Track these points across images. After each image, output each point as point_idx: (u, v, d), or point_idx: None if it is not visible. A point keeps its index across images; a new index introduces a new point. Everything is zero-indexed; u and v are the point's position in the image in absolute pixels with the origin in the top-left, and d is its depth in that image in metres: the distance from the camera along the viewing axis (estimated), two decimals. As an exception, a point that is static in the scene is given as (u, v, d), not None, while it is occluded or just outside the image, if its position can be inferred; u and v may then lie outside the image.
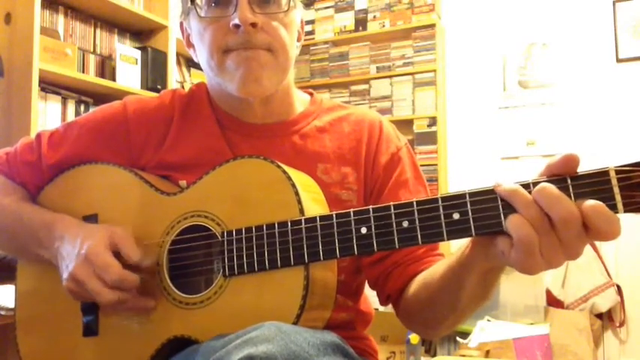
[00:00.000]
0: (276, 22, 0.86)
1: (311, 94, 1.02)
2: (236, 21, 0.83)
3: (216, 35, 0.85)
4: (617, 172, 0.57)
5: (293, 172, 0.78)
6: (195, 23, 0.89)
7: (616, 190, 0.57)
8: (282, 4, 0.87)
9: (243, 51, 0.84)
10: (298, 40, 0.95)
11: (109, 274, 0.76)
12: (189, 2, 0.89)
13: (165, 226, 0.83)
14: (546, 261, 0.59)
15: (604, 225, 0.56)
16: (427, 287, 0.82)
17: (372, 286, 0.94)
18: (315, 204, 0.78)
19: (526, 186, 0.61)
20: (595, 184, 0.58)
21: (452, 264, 0.74)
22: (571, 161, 0.59)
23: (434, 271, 0.81)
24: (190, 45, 0.95)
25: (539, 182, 0.59)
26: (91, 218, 0.89)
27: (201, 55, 0.90)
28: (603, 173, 0.58)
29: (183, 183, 0.88)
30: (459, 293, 0.74)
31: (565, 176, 0.59)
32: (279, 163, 0.78)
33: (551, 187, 0.57)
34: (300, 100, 0.99)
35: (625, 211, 0.57)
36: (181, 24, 0.97)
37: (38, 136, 0.97)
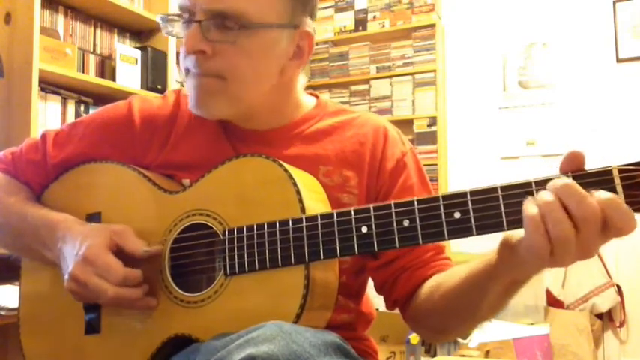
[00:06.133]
0: (234, 48, 0.81)
1: (316, 97, 1.01)
2: (184, 47, 0.83)
3: (181, 55, 0.86)
4: (620, 171, 0.58)
5: (295, 171, 0.78)
6: None
7: (619, 189, 0.57)
8: (245, 27, 0.80)
9: (193, 77, 0.84)
10: (299, 57, 0.88)
11: (112, 274, 0.76)
12: (161, 20, 0.90)
13: (167, 224, 0.83)
14: (558, 263, 0.59)
15: (621, 221, 0.55)
16: (445, 294, 0.81)
17: (379, 291, 0.94)
18: (316, 203, 0.78)
19: (527, 185, 0.61)
20: (598, 184, 0.58)
21: (475, 273, 0.73)
22: (576, 158, 0.60)
23: (451, 277, 0.81)
24: None
25: (540, 181, 0.60)
26: (95, 216, 0.89)
27: None
28: (606, 172, 0.58)
29: (186, 182, 0.89)
30: (480, 303, 0.74)
31: (567, 174, 0.59)
32: (281, 162, 0.78)
33: (575, 185, 0.57)
34: (304, 104, 0.98)
35: None
36: None
37: (43, 135, 0.98)
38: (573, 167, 0.60)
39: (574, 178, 0.59)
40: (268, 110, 0.92)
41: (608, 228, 0.56)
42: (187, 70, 0.85)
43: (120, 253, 0.80)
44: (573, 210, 0.56)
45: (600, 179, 0.58)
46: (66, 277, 0.79)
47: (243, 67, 0.83)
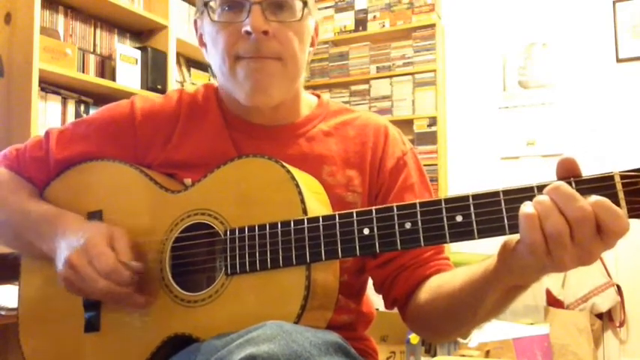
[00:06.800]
0: (289, 31, 0.86)
1: (318, 97, 1.03)
2: (247, 28, 0.83)
3: (228, 41, 0.85)
4: (622, 177, 0.58)
5: (297, 172, 0.78)
6: (208, 25, 0.90)
7: (621, 195, 0.57)
8: (296, 12, 0.86)
9: (253, 62, 0.84)
10: (312, 45, 0.95)
11: (101, 262, 0.76)
12: (203, 4, 0.89)
13: (169, 223, 0.83)
14: (557, 264, 0.59)
15: (611, 220, 0.56)
16: (444, 297, 0.81)
17: (378, 290, 0.94)
18: (318, 204, 0.78)
19: (530, 189, 0.61)
20: (599, 189, 0.58)
21: (475, 277, 0.73)
22: (568, 164, 0.60)
23: (452, 280, 0.81)
24: (203, 44, 0.95)
25: (542, 186, 0.60)
26: (96, 214, 0.89)
27: (213, 57, 0.91)
28: (608, 178, 0.58)
29: (188, 181, 0.89)
30: (479, 307, 0.74)
31: (570, 179, 0.59)
32: (284, 163, 0.78)
33: (566, 186, 0.58)
34: (307, 103, 1.00)
35: (630, 217, 0.57)
36: (195, 22, 0.97)
37: (47, 133, 0.98)
38: (568, 173, 0.60)
39: (576, 183, 0.59)
40: (288, 103, 0.94)
41: (603, 230, 0.56)
42: (237, 57, 0.85)
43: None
44: (565, 210, 0.57)
45: (602, 185, 0.58)
46: (61, 263, 0.79)
47: (297, 48, 0.87)
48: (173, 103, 0.97)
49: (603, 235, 0.57)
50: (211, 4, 0.87)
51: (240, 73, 0.86)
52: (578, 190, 0.58)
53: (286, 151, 0.91)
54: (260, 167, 0.79)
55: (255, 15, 0.83)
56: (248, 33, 0.83)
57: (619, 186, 0.58)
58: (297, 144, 0.93)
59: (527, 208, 0.58)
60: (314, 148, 0.93)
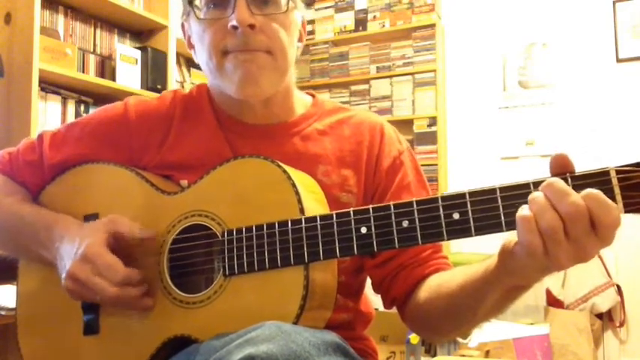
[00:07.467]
0: (275, 24, 0.86)
1: (313, 96, 1.02)
2: (234, 22, 0.82)
3: (214, 37, 0.85)
4: (618, 172, 0.58)
5: (293, 172, 0.78)
6: (194, 25, 0.89)
7: (617, 190, 0.58)
8: (281, 4, 0.86)
9: (241, 53, 0.84)
10: (300, 40, 0.95)
11: (113, 273, 0.76)
12: (188, 4, 0.89)
13: (166, 225, 0.83)
14: (554, 263, 0.59)
15: (603, 213, 0.55)
16: (444, 297, 0.81)
17: (377, 289, 0.94)
18: (315, 204, 0.78)
19: (526, 186, 0.61)
20: (595, 184, 0.58)
21: (475, 277, 0.73)
22: (560, 160, 0.60)
23: (451, 280, 0.80)
24: (192, 46, 0.95)
25: (538, 182, 0.60)
26: (92, 217, 0.89)
27: (200, 56, 0.90)
28: (604, 173, 0.58)
29: (184, 182, 0.89)
30: (479, 307, 0.74)
31: (565, 175, 0.59)
32: (280, 163, 0.78)
33: (559, 182, 0.58)
34: (302, 102, 0.99)
35: (626, 212, 0.57)
36: (183, 25, 0.97)
37: (40, 136, 0.97)
38: (561, 169, 0.60)
39: (572, 179, 0.59)
40: (279, 99, 0.93)
41: (597, 226, 0.56)
42: (225, 52, 0.85)
43: (118, 251, 0.80)
44: (558, 206, 0.57)
45: (598, 180, 0.58)
46: (63, 275, 0.79)
47: (285, 42, 0.87)
48: (167, 104, 0.97)
49: (597, 229, 0.56)
50: (196, 2, 0.87)
51: (228, 67, 0.85)
52: (574, 185, 0.58)
53: (281, 150, 0.90)
54: (256, 167, 0.79)
55: (240, 9, 0.82)
56: (234, 27, 0.83)
57: (615, 181, 0.58)
58: (292, 143, 0.93)
59: (523, 210, 0.58)
60: (309, 147, 0.93)
